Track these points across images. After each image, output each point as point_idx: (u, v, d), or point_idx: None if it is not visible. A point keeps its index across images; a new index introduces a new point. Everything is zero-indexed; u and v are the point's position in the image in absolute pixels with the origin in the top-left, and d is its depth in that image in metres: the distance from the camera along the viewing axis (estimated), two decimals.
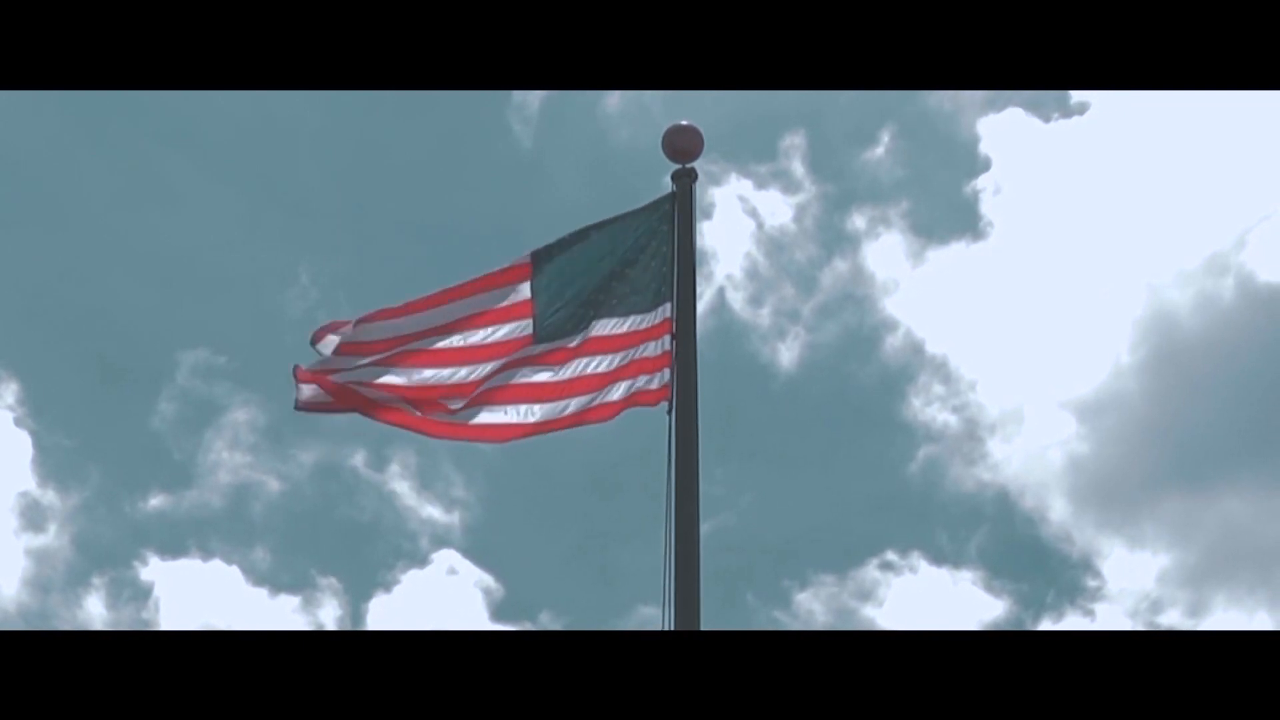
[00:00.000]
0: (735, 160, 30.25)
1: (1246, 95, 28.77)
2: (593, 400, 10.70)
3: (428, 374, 10.65)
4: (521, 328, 10.76)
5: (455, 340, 10.73)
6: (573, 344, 10.77)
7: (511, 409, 10.74)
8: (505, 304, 10.75)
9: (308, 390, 10.62)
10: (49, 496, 29.49)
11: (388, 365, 10.63)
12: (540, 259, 10.83)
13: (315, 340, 10.70)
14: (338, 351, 10.62)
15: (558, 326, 10.78)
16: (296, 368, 10.62)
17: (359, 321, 10.68)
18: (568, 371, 10.75)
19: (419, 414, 10.66)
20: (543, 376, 10.75)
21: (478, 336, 10.75)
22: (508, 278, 10.78)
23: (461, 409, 10.63)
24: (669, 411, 10.42)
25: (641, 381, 10.67)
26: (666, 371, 10.57)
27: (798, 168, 31.08)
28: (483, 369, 10.68)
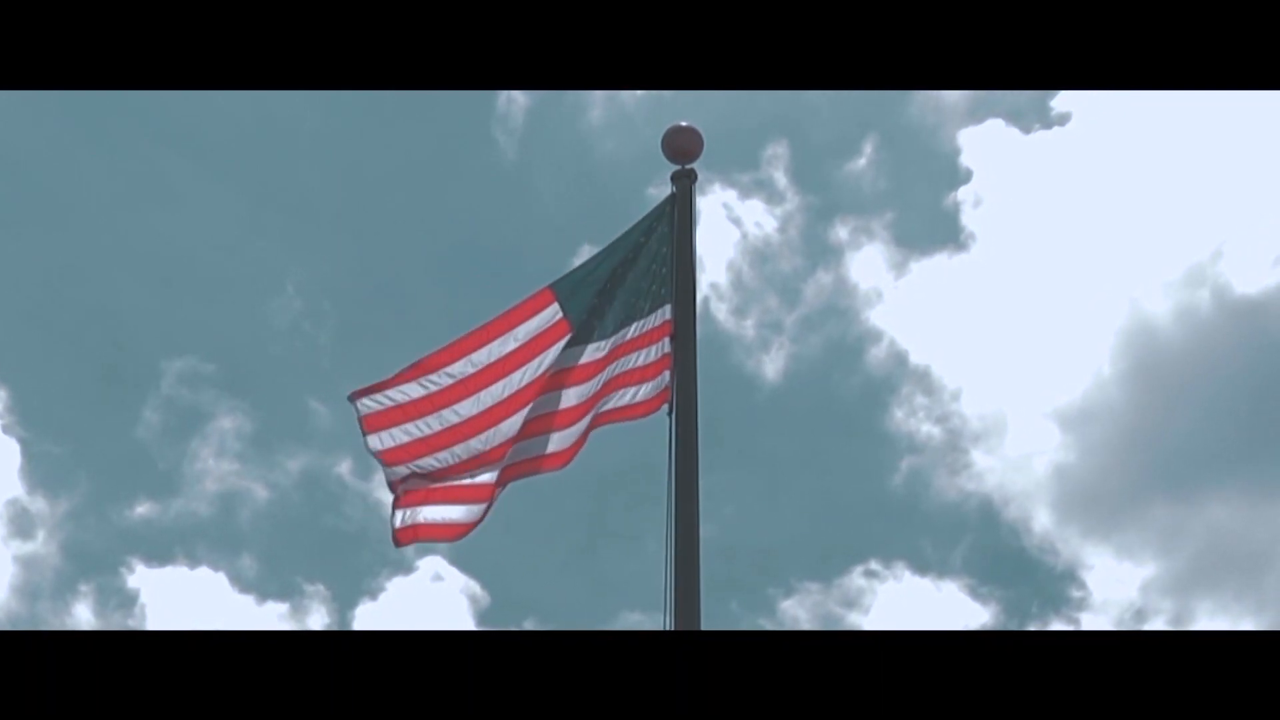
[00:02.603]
0: (719, 170, 30.29)
1: (1225, 106, 29.02)
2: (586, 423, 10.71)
3: (484, 439, 10.63)
4: (559, 348, 10.72)
5: (498, 390, 10.65)
6: (586, 361, 10.74)
7: (557, 435, 10.77)
8: (540, 334, 10.69)
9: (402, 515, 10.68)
10: (38, 504, 29.54)
11: (447, 452, 10.63)
12: (560, 288, 10.77)
13: (354, 397, 10.69)
14: (375, 425, 10.58)
15: (577, 341, 10.75)
16: (396, 534, 10.65)
17: (390, 384, 10.63)
18: (579, 395, 10.74)
19: (489, 475, 10.64)
20: (565, 402, 10.74)
21: (519, 377, 10.67)
22: (531, 309, 10.73)
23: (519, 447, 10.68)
24: (669, 413, 10.42)
25: (643, 391, 10.65)
26: (666, 374, 10.55)
27: (781, 178, 31.16)
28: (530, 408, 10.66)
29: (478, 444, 10.62)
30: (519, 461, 10.71)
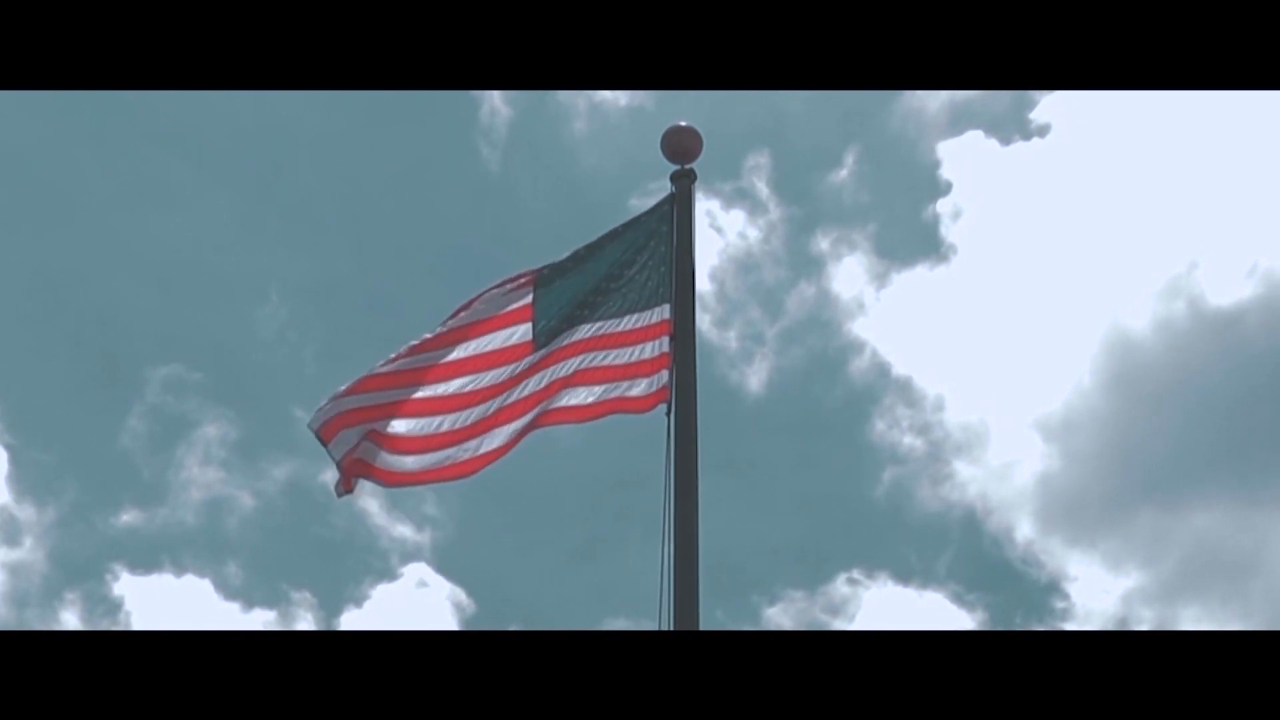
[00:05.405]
0: (701, 180, 30.23)
1: (1203, 118, 29.20)
2: (580, 398, 10.73)
3: (426, 392, 10.66)
4: (522, 333, 10.78)
5: (455, 353, 10.72)
6: (564, 344, 10.78)
7: (509, 426, 10.78)
8: (507, 310, 10.75)
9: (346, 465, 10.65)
10: (25, 511, 29.54)
11: (389, 412, 10.62)
12: (545, 277, 10.83)
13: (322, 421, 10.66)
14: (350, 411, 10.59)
15: (554, 329, 10.79)
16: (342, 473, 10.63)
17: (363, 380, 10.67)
18: (561, 372, 10.77)
19: (432, 461, 10.67)
20: (535, 384, 10.77)
21: (474, 346, 10.75)
22: (511, 285, 10.80)
23: (471, 440, 10.66)
24: (668, 413, 10.42)
25: (628, 387, 10.67)
26: (664, 373, 10.53)
27: (763, 189, 31.20)
28: (483, 378, 10.70)
29: (453, 420, 10.65)
30: (496, 449, 10.73)
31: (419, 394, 10.68)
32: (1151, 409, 30.38)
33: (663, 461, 10.25)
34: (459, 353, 10.74)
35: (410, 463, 10.70)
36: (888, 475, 30.55)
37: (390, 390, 10.65)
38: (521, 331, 10.76)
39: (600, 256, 10.80)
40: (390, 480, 10.75)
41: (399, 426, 10.64)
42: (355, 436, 10.57)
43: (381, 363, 10.68)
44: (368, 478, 10.73)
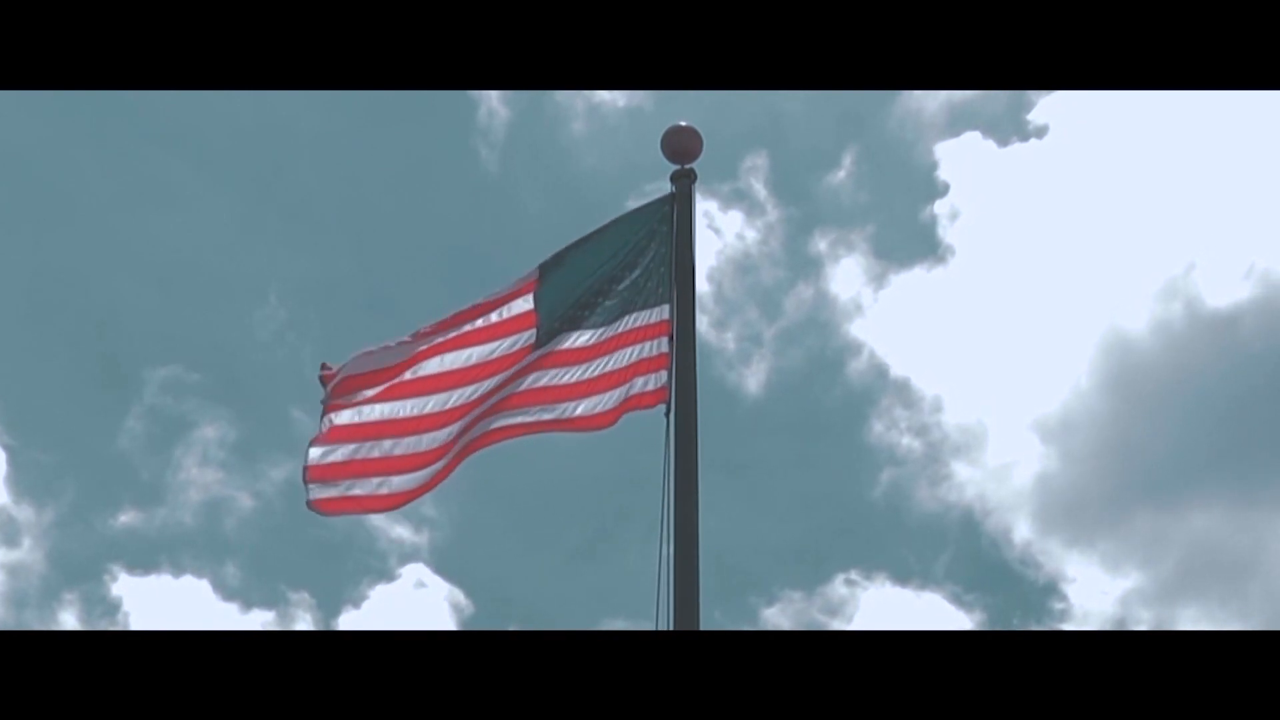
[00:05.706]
0: (700, 181, 30.18)
1: (1199, 120, 29.25)
2: (595, 405, 10.74)
3: (430, 401, 10.65)
4: (526, 338, 10.77)
5: (456, 359, 10.71)
6: (570, 346, 10.79)
7: (506, 415, 10.80)
8: (510, 317, 10.75)
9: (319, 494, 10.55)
10: (24, 511, 29.56)
11: (391, 432, 10.58)
12: (546, 270, 10.83)
13: (325, 380, 10.64)
14: (338, 396, 10.55)
15: (555, 331, 10.80)
16: (308, 482, 10.49)
17: (362, 354, 10.66)
18: (567, 376, 10.77)
19: (431, 471, 10.66)
20: (541, 381, 10.78)
21: (476, 354, 10.73)
22: (516, 294, 10.80)
23: (466, 432, 10.68)
24: (667, 413, 10.44)
25: (639, 384, 10.70)
26: (664, 373, 10.58)
27: (760, 190, 31.22)
28: (488, 384, 10.70)
29: (442, 435, 10.63)
30: (478, 437, 10.74)
31: (421, 409, 10.67)
32: (1149, 410, 30.45)
33: (662, 461, 10.25)
34: (460, 361, 10.73)
35: (410, 480, 10.70)
36: (886, 476, 30.61)
37: (389, 402, 10.63)
38: (526, 337, 10.77)
39: (597, 251, 10.80)
40: (389, 504, 10.75)
41: (404, 443, 10.63)
42: (347, 455, 10.56)
43: (379, 352, 10.65)
44: (367, 511, 10.77)
